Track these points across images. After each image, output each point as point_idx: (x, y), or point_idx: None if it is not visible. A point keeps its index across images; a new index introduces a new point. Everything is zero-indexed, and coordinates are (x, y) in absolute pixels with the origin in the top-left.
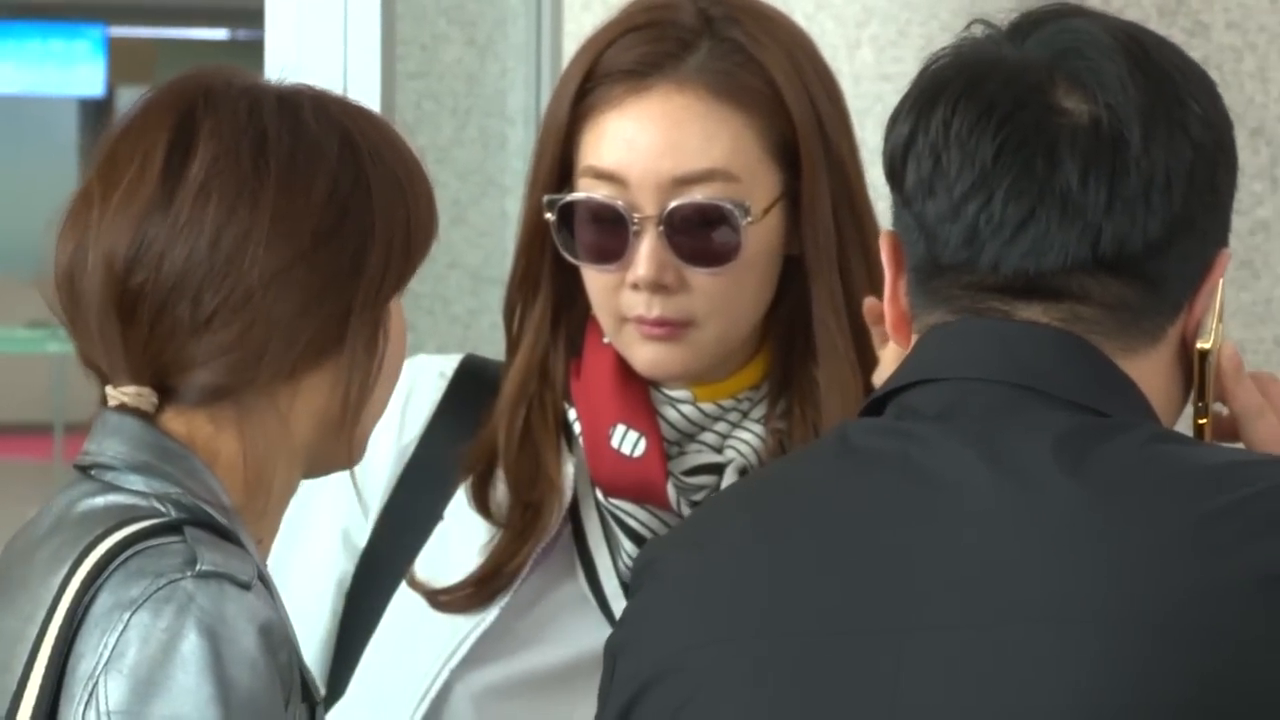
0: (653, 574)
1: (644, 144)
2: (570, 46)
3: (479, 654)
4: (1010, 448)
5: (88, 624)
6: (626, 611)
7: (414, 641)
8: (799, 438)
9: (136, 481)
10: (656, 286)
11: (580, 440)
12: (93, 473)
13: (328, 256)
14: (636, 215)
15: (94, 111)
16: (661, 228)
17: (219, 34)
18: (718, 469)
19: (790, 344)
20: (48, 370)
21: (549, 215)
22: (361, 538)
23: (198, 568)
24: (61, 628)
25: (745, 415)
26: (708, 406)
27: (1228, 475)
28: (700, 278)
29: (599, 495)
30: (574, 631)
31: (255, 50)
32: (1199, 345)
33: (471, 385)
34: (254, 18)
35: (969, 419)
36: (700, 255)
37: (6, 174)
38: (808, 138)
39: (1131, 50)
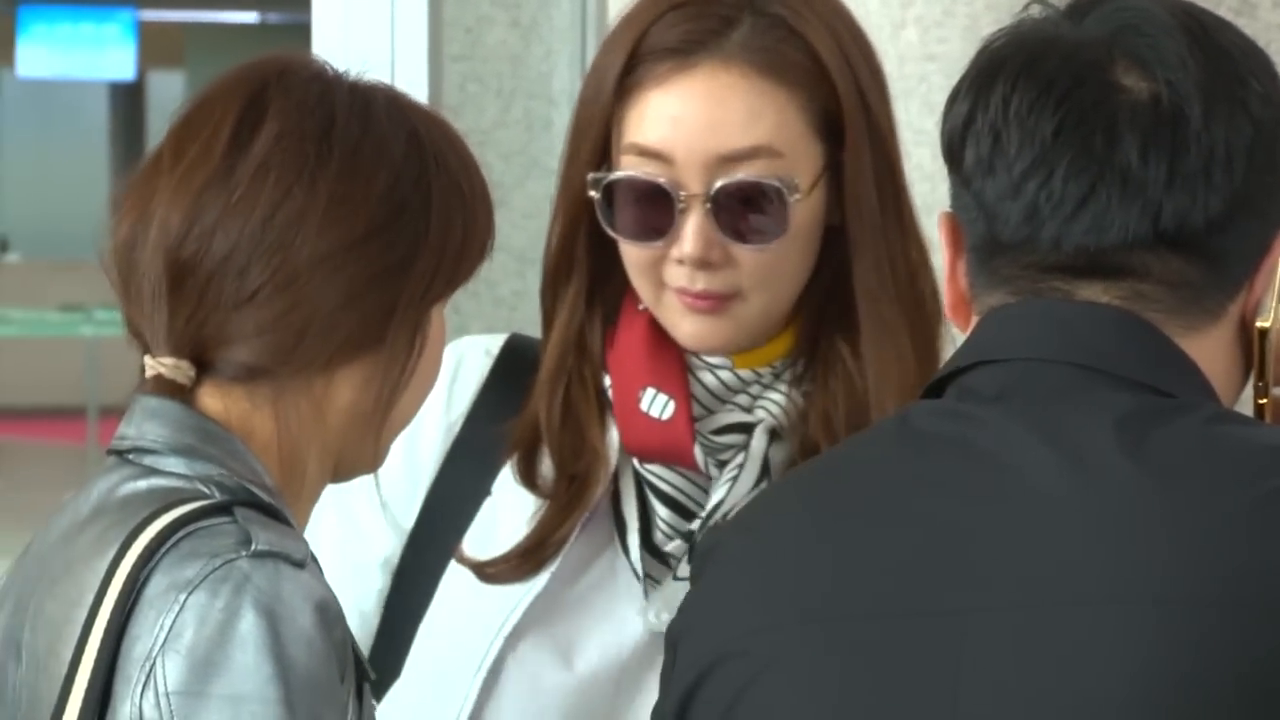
0: (713, 560)
1: (690, 122)
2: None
3: (530, 621)
4: (1071, 429)
5: (141, 606)
6: (687, 598)
7: (467, 617)
8: (821, 406)
9: (178, 464)
10: (703, 263)
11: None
12: (130, 457)
13: (378, 250)
14: (683, 193)
15: (124, 95)
16: (708, 205)
17: (249, 18)
18: (746, 428)
19: (822, 313)
20: (81, 353)
21: (593, 193)
22: (405, 515)
23: (253, 547)
24: (114, 611)
25: (777, 377)
26: (744, 373)
27: None
28: (746, 253)
29: (635, 462)
30: (615, 598)
31: (286, 34)
32: (1259, 324)
33: (517, 363)
34: (286, 1)
35: (1029, 400)
36: (747, 232)
37: (38, 158)
38: (851, 110)
39: (1190, 28)
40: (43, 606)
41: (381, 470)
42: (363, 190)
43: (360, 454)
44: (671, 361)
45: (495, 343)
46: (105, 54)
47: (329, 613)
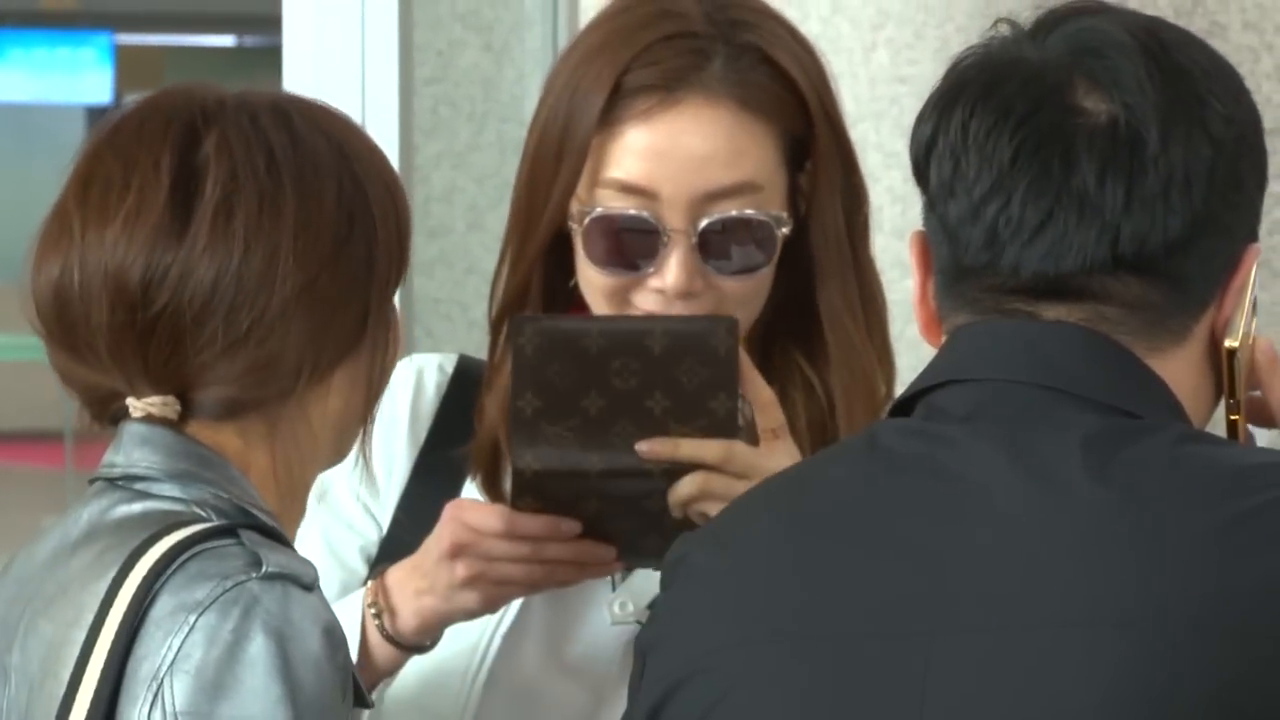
0: (682, 571)
1: (675, 158)
2: None
3: (518, 622)
4: (1038, 450)
5: (148, 627)
6: (656, 609)
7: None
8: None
9: (172, 489)
10: (686, 294)
11: None
12: (120, 483)
13: (346, 262)
14: (669, 229)
15: (102, 120)
16: (695, 240)
17: (227, 40)
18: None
19: (773, 323)
20: (57, 378)
21: (575, 225)
22: (380, 513)
23: (263, 569)
24: (119, 631)
25: None
26: None
27: (1256, 476)
28: (728, 285)
29: None
30: (591, 588)
31: (264, 57)
32: (1226, 343)
33: (471, 382)
34: (264, 24)
35: (997, 421)
36: (734, 266)
37: (14, 182)
38: (823, 134)
39: (1150, 48)
40: (35, 628)
41: (357, 475)
42: (318, 209)
43: (336, 454)
44: None
45: (448, 361)
46: (82, 78)
47: (335, 636)
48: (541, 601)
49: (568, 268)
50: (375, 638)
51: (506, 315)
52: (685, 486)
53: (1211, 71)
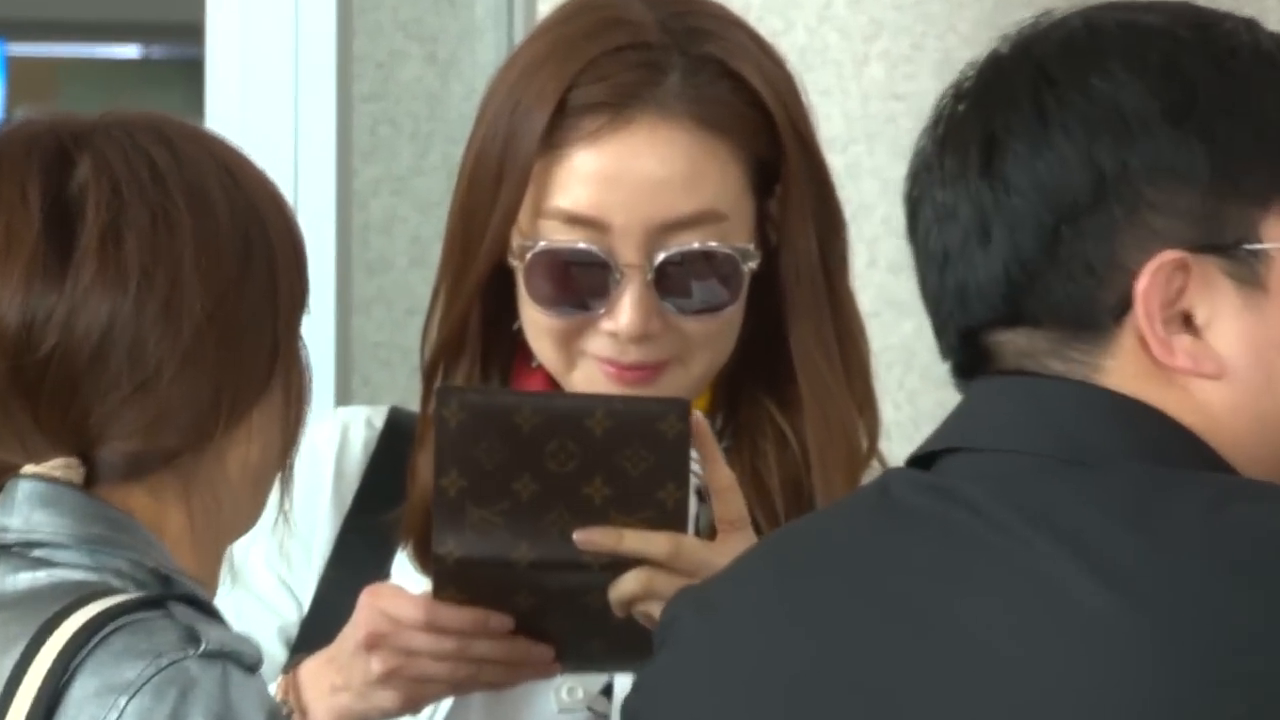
0: (671, 636)
1: (627, 184)
2: None
3: (461, 711)
4: (1061, 514)
5: (66, 709)
6: (643, 675)
7: None
8: (749, 464)
9: (78, 556)
10: (641, 337)
11: None
12: (15, 549)
13: (250, 286)
14: (622, 264)
15: None
16: (651, 276)
17: (130, 52)
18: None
19: (739, 365)
20: None
21: (516, 263)
22: (301, 592)
23: (202, 647)
24: (30, 714)
25: None
26: None
27: None
28: (690, 325)
29: None
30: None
31: (172, 70)
32: None
33: (402, 438)
34: (176, 33)
35: (1015, 481)
36: (695, 304)
37: None
38: (794, 156)
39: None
40: None
41: (274, 546)
42: (215, 225)
43: (254, 511)
44: None
45: (377, 414)
46: None
47: None
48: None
49: (509, 309)
50: None
51: (442, 360)
52: (627, 583)
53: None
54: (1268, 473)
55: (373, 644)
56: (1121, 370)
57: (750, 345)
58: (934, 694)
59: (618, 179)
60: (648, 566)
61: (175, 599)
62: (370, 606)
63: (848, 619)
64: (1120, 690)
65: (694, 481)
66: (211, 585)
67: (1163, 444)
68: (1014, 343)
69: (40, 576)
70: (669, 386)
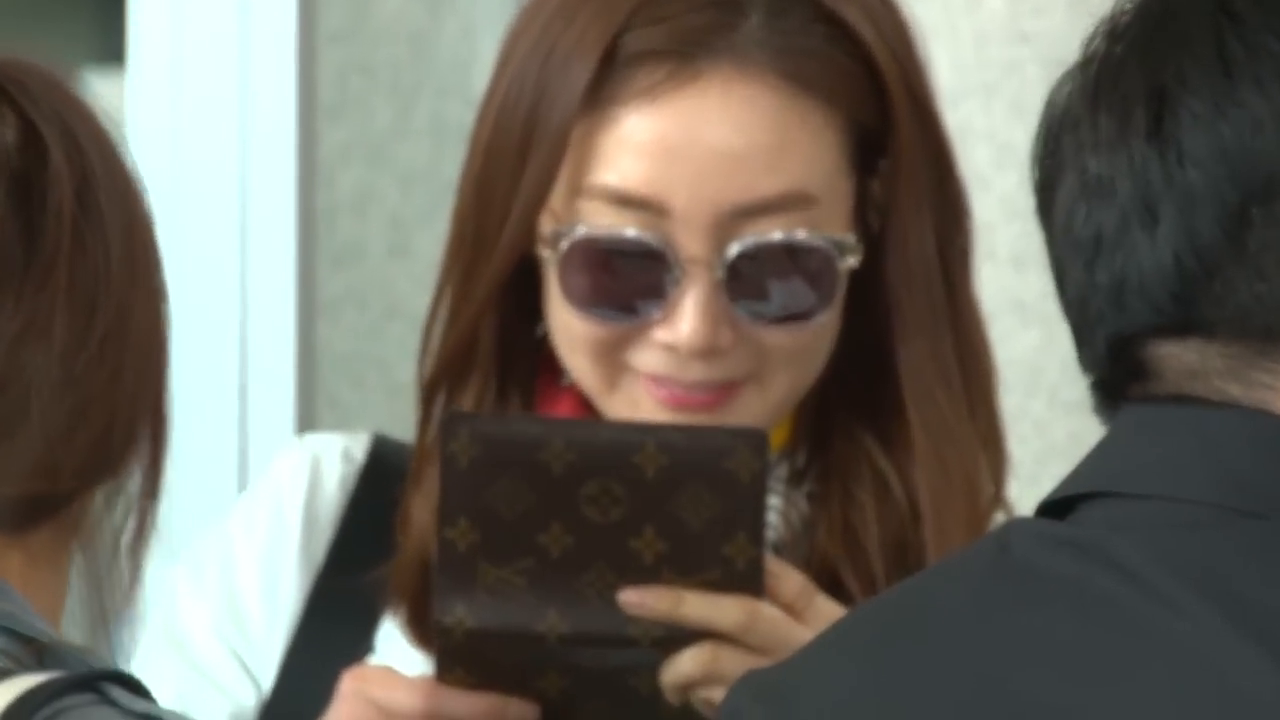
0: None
1: (694, 158)
2: None
3: None
4: (1237, 584)
5: None
6: None
7: None
8: (840, 515)
9: None
10: (709, 351)
11: None
12: None
13: (143, 297)
14: (683, 258)
15: None
16: (722, 275)
17: None
18: None
19: (829, 391)
20: None
21: (547, 252)
22: (260, 669)
23: None
24: None
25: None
26: None
27: None
28: (772, 336)
29: None
30: None
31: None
32: None
33: (387, 473)
34: None
35: (1176, 540)
36: (776, 310)
37: None
38: (905, 123)
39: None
40: None
41: (229, 610)
42: (126, 220)
43: (134, 582)
44: None
45: (357, 444)
46: None
47: None
48: None
49: (534, 311)
50: None
51: (445, 378)
52: (686, 662)
53: None
54: None
55: None
56: None
57: (846, 364)
58: None
59: (680, 150)
60: (713, 641)
61: (105, 679)
62: (355, 695)
63: None
64: None
65: (770, 534)
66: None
67: None
68: (1180, 358)
69: None
70: (739, 415)
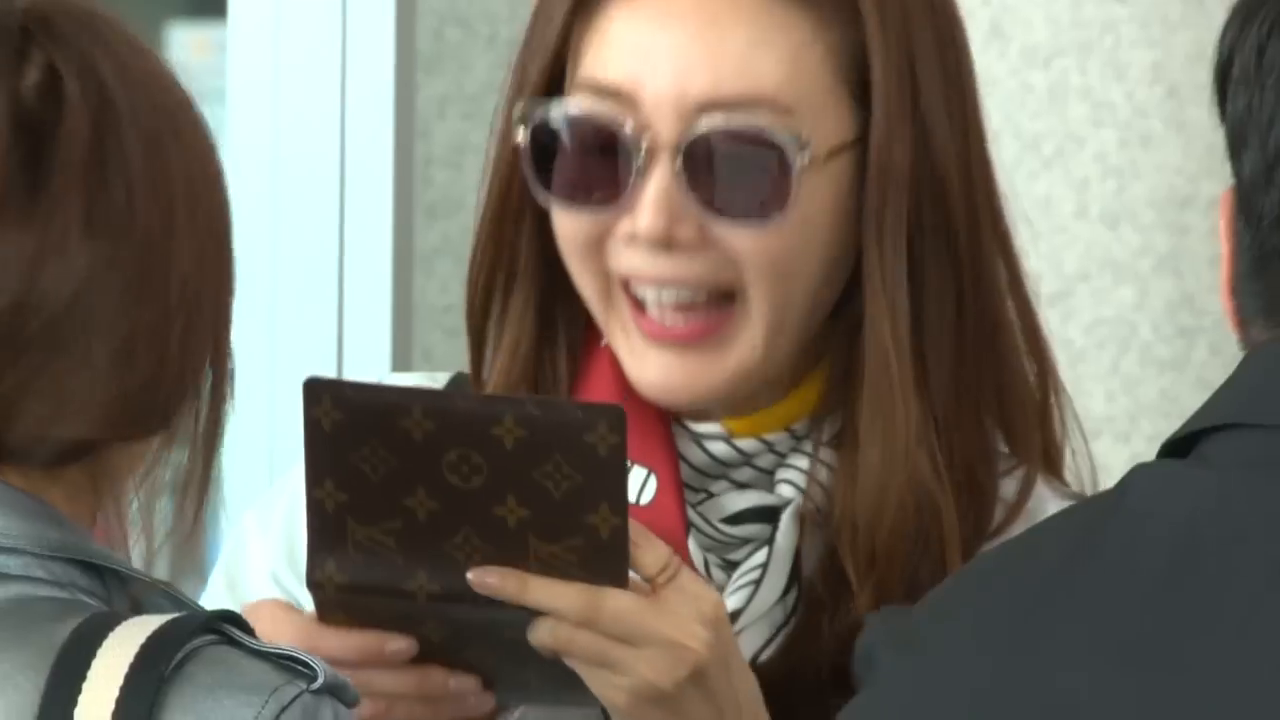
0: (869, 672)
1: (664, 51)
2: None
3: None
4: None
5: None
6: (843, 715)
7: None
8: (839, 489)
9: (30, 566)
10: (665, 239)
11: None
12: None
13: (212, 247)
14: (644, 141)
15: None
16: (680, 160)
17: None
18: (771, 513)
19: (851, 356)
20: None
21: (519, 136)
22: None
23: (320, 680)
24: None
25: (799, 441)
26: (746, 443)
27: None
28: (734, 234)
29: None
30: None
31: None
32: None
33: None
34: None
35: None
36: (732, 202)
37: None
38: (882, 56)
39: None
40: None
41: (288, 554)
42: (199, 168)
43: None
44: (649, 418)
45: (436, 383)
46: None
47: None
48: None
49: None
50: None
51: (482, 297)
52: (544, 634)
53: None
54: None
55: None
56: None
57: (854, 333)
58: None
59: (655, 42)
60: (565, 623)
61: (223, 620)
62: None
63: (1048, 676)
64: None
65: (799, 502)
66: None
67: None
68: None
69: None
70: (731, 349)
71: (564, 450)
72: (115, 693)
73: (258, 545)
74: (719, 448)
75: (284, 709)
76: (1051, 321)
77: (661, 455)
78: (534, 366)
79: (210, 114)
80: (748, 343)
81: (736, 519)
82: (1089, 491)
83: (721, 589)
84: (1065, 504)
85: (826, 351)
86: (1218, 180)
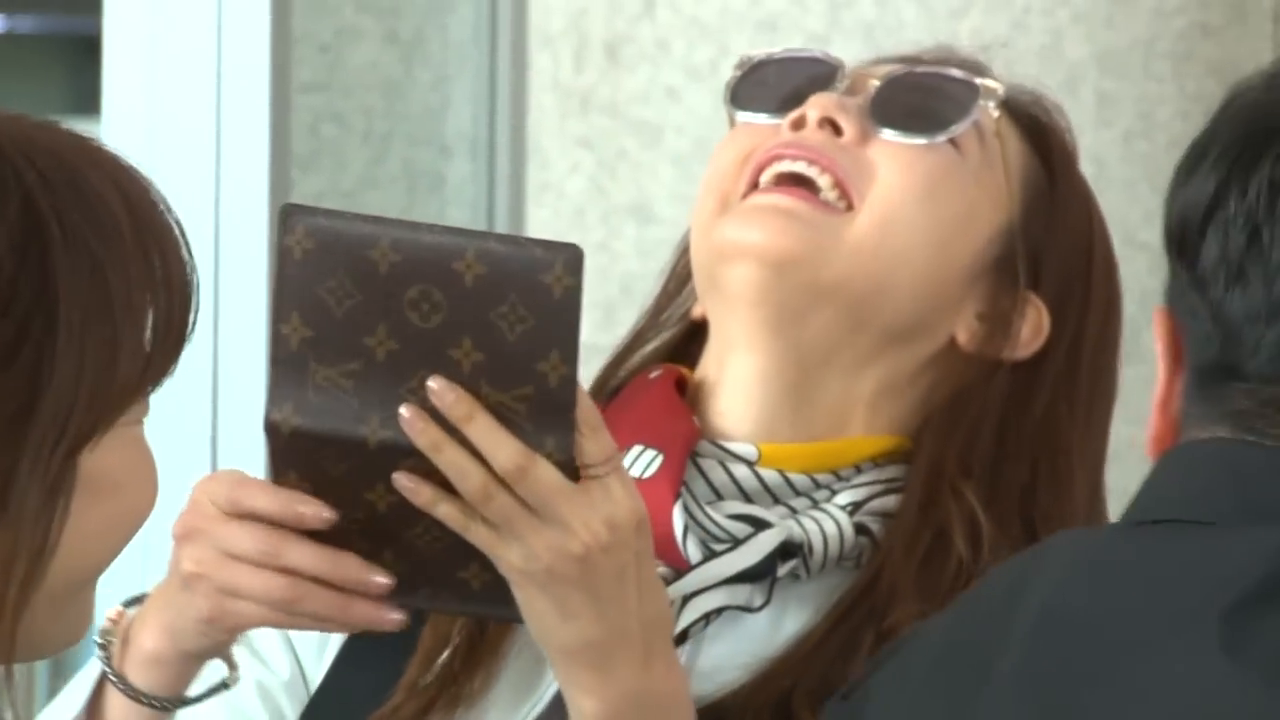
0: (865, 693)
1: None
2: (537, 44)
3: None
4: (1253, 629)
5: None
6: (864, 689)
7: None
8: (889, 572)
9: None
10: (822, 120)
11: None
12: None
13: None
14: (845, 74)
15: None
16: (874, 88)
17: None
18: (768, 525)
19: (947, 443)
20: None
21: (736, 72)
22: (305, 650)
23: None
24: None
25: (833, 495)
26: (770, 475)
27: None
28: (889, 152)
29: None
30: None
31: (56, 48)
32: None
33: None
34: (64, 2)
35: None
36: (902, 117)
37: None
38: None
39: None
40: None
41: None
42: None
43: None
44: (674, 415)
45: None
46: None
47: None
48: None
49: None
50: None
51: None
52: (472, 479)
53: None
54: None
55: (184, 535)
56: None
57: (959, 421)
58: None
59: None
60: (486, 477)
61: None
62: (196, 489)
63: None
64: None
65: (797, 534)
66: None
67: None
68: None
69: None
70: (814, 230)
71: (520, 290)
72: None
73: None
74: (742, 473)
75: None
76: None
77: (676, 445)
78: None
79: None
80: (837, 249)
81: (735, 517)
82: None
83: (695, 565)
84: None
85: (922, 417)
86: None
